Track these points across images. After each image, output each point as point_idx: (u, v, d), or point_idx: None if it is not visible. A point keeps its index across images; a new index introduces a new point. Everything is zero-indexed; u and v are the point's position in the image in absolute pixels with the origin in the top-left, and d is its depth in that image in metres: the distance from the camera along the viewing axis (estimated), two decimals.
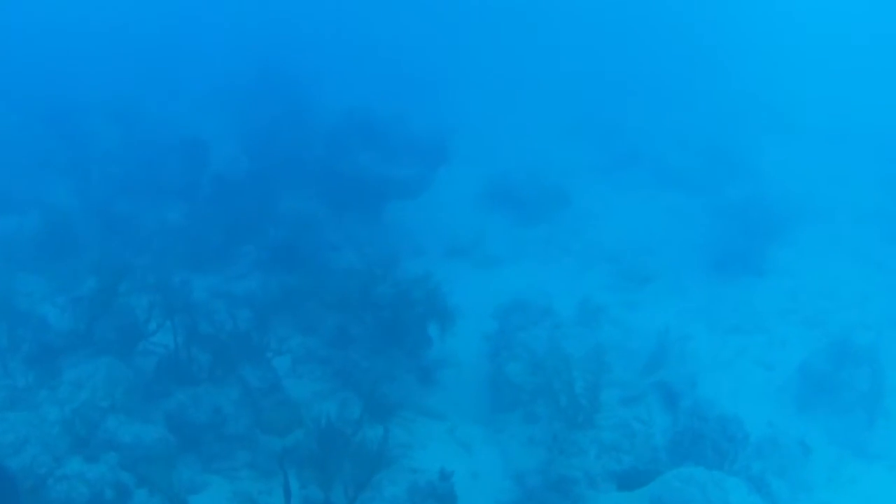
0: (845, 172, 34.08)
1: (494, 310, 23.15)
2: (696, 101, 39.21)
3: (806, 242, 29.11)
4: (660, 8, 46.56)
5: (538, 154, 33.41)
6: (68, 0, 42.49)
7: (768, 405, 21.17)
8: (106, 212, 23.29)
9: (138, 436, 15.25)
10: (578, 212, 29.65)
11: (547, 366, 18.58)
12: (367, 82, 36.23)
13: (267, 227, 23.03)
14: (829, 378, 20.80)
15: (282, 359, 17.97)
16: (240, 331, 17.91)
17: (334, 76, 36.56)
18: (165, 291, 18.16)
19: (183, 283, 20.23)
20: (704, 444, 17.66)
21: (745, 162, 34.47)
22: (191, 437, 16.12)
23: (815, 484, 18.15)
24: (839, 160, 35.11)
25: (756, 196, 30.36)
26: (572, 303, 24.02)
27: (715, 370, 22.26)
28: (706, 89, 39.41)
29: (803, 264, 27.92)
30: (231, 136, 30.96)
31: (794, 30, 48.18)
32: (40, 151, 28.66)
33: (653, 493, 15.05)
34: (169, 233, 23.20)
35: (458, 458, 17.84)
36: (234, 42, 40.80)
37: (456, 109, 34.38)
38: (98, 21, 41.80)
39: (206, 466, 16.07)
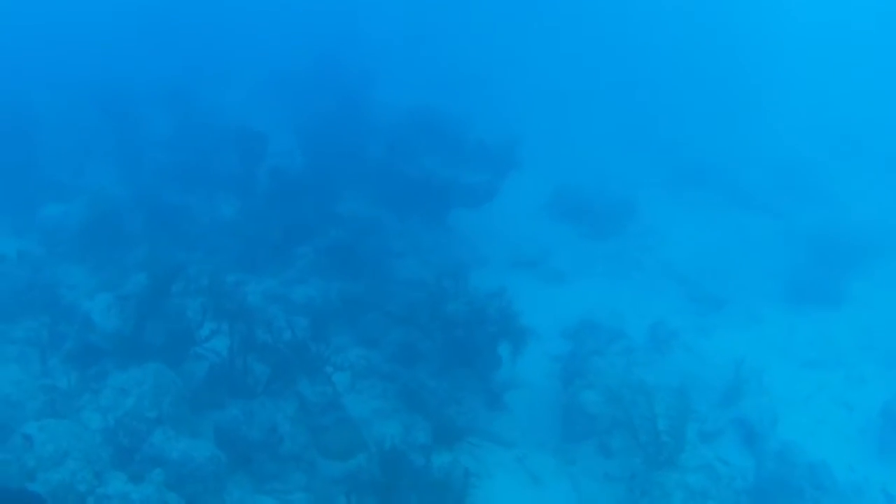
0: None
1: (563, 329, 21.70)
2: (764, 115, 37.12)
3: (885, 275, 27.04)
4: (729, 20, 44.41)
5: (603, 163, 31.58)
6: None
7: (849, 448, 19.83)
8: (156, 203, 21.76)
9: (186, 452, 13.66)
10: (646, 227, 27.85)
11: (625, 398, 17.03)
12: (427, 80, 34.58)
13: (326, 227, 21.34)
14: None
15: (341, 372, 16.16)
16: (298, 341, 16.17)
17: (392, 71, 34.86)
18: (219, 294, 16.44)
19: (237, 284, 18.56)
20: (791, 493, 16.74)
21: (818, 184, 32.58)
22: (242, 455, 14.55)
23: None
24: None
25: (833, 223, 28.39)
26: (643, 325, 22.61)
27: (793, 407, 20.72)
28: (776, 105, 37.21)
29: (882, 298, 25.98)
30: (285, 127, 29.33)
31: (869, 53, 45.80)
32: (89, 136, 27.23)
33: None
34: (222, 229, 21.61)
35: (528, 490, 16.43)
36: (288, 29, 39.10)
37: (519, 114, 32.55)
38: (150, 4, 40.22)
39: (258, 487, 14.49)
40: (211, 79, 34.73)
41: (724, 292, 25.10)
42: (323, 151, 26.03)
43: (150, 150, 25.35)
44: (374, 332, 18.46)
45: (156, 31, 38.32)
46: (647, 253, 26.57)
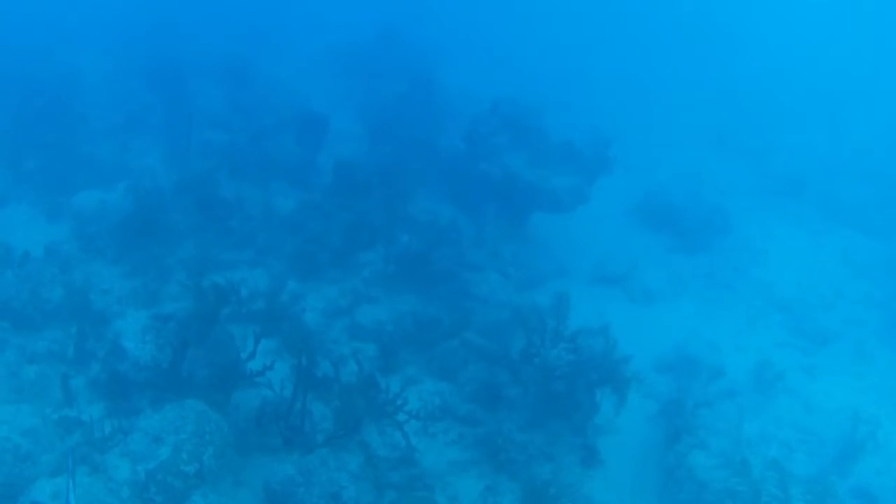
0: None
1: (657, 360, 18.56)
2: (860, 125, 33.22)
3: None
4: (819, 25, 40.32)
5: (691, 168, 28.02)
6: None
7: None
8: (204, 191, 18.60)
9: None
10: (740, 242, 24.46)
11: (754, 470, 13.89)
12: (503, 69, 30.98)
13: (395, 230, 18.16)
14: None
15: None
16: (365, 376, 13.08)
17: (465, 56, 31.23)
18: (275, 317, 13.38)
19: (294, 299, 15.48)
20: None
21: None
22: None
23: None
24: None
25: None
26: (743, 361, 19.37)
27: None
28: (879, 115, 33.29)
29: None
30: (346, 108, 26.21)
31: None
32: (134, 108, 24.19)
33: None
34: (277, 225, 18.58)
35: None
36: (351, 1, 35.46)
37: (604, 113, 29.00)
38: None
39: None
40: (267, 52, 31.28)
41: (828, 325, 21.70)
42: (390, 140, 22.95)
43: (199, 129, 22.19)
44: (451, 364, 15.35)
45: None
46: (742, 274, 23.18)
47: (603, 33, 37.30)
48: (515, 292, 19.03)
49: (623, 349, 15.21)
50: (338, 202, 18.97)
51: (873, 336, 21.85)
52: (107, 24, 30.02)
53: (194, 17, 33.47)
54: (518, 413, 14.10)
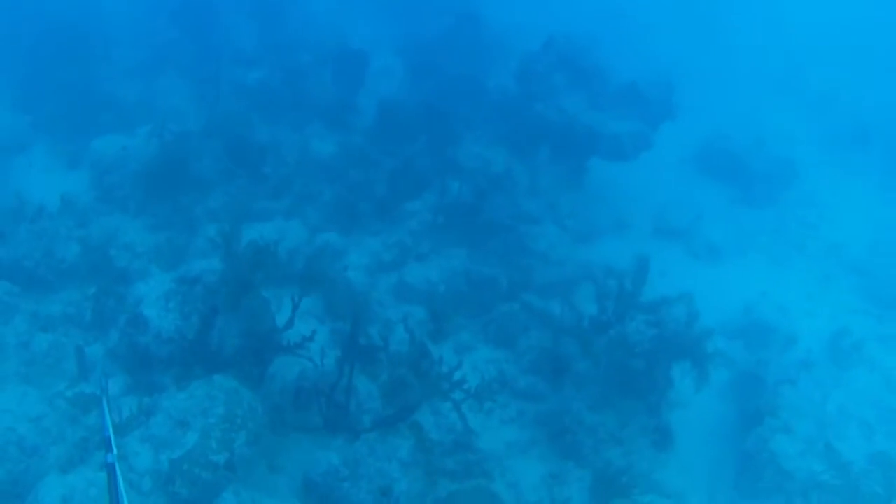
0: None
1: (726, 324, 16.61)
2: None
3: None
4: None
5: (752, 113, 25.55)
6: None
7: None
8: (235, 135, 16.58)
9: None
10: (806, 195, 22.21)
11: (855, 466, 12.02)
12: (560, 4, 28.37)
13: (443, 178, 16.15)
14: None
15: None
16: (417, 347, 11.19)
17: None
18: (315, 278, 11.47)
19: (335, 255, 13.56)
20: None
21: None
22: None
23: None
24: None
25: None
26: (815, 327, 17.50)
27: None
28: None
29: None
30: (388, 47, 23.98)
31: None
32: (160, 45, 22.05)
33: None
34: (315, 172, 16.57)
35: None
36: None
37: (658, 53, 26.46)
38: None
39: None
40: None
41: None
42: (433, 79, 20.71)
43: (230, 68, 20.11)
44: (510, 330, 13.43)
45: None
46: (810, 230, 20.97)
47: None
48: (574, 246, 17.02)
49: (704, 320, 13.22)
50: (381, 146, 16.99)
51: None
52: None
53: None
54: (586, 390, 12.17)
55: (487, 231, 15.95)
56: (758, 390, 14.14)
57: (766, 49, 30.73)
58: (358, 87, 20.66)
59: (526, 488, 11.57)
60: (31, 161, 17.53)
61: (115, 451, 3.72)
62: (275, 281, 11.30)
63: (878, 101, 27.77)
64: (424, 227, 15.83)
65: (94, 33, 21.58)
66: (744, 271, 19.15)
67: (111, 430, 4.77)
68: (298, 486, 10.28)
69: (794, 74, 29.65)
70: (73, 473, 9.14)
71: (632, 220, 19.77)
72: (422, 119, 17.62)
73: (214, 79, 18.74)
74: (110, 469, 3.35)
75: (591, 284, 14.86)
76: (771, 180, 21.91)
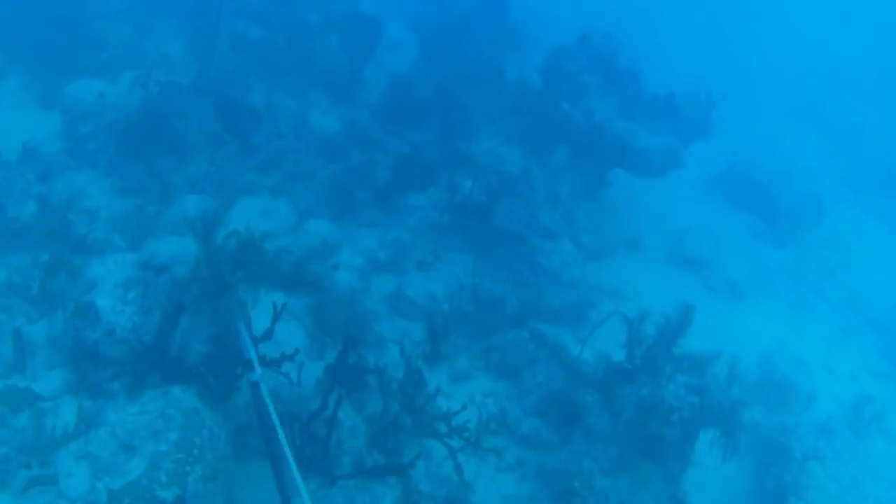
0: None
1: (744, 378, 14.55)
2: None
3: None
4: None
5: (779, 143, 23.83)
6: None
7: None
8: (228, 95, 14.55)
9: None
10: (830, 237, 20.58)
11: None
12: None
13: (453, 173, 14.26)
14: None
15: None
16: (411, 374, 9.37)
17: None
18: (300, 280, 9.61)
19: (326, 249, 11.69)
20: None
21: None
22: None
23: None
24: None
25: None
26: (834, 387, 16.18)
27: None
28: None
29: None
30: (401, 18, 21.92)
31: None
32: None
33: None
34: (312, 148, 14.61)
35: None
36: None
37: (687, 67, 24.64)
38: None
39: None
40: None
41: None
42: (448, 59, 18.68)
43: (231, 19, 17.99)
44: (515, 361, 11.59)
45: None
46: (832, 277, 19.35)
47: None
48: (586, 267, 15.26)
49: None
50: (387, 128, 15.02)
51: None
52: None
53: None
54: (601, 447, 10.38)
55: (496, 239, 14.14)
56: (781, 462, 12.48)
57: (787, 72, 29.03)
58: (367, 58, 18.70)
59: None
60: None
61: (258, 370, 2.72)
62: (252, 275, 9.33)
63: None
64: (427, 225, 13.97)
65: None
66: (762, 314, 17.60)
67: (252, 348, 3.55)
68: None
69: (818, 102, 27.95)
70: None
71: (646, 242, 18.10)
72: (436, 103, 15.71)
73: (212, 30, 16.62)
74: (255, 387, 2.87)
75: (603, 315, 13.23)
76: (795, 217, 20.28)
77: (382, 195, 14.01)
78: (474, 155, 15.11)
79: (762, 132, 24.26)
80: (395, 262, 13.13)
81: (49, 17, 17.32)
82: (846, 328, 18.04)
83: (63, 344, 9.27)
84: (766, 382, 15.16)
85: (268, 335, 9.10)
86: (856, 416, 15.09)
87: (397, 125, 15.28)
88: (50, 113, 15.24)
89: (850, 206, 22.73)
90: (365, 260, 12.79)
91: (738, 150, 21.76)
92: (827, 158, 24.88)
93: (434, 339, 11.27)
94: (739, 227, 19.90)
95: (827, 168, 24.19)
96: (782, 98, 27.34)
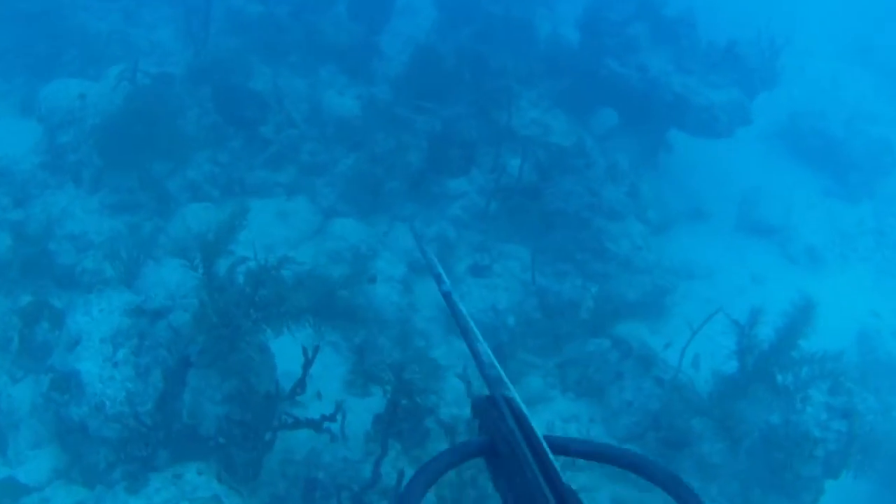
0: None
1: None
2: None
3: None
4: None
5: (837, 90, 21.25)
6: None
7: None
8: (228, 81, 12.39)
9: None
10: None
11: None
12: None
13: (494, 149, 12.02)
14: None
15: None
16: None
17: None
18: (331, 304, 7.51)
19: (360, 258, 9.56)
20: None
21: None
22: None
23: None
24: None
25: None
26: None
27: None
28: None
29: None
30: None
31: None
32: None
33: None
34: (329, 135, 12.42)
35: None
36: None
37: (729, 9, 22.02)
38: None
39: None
40: None
41: None
42: (474, 21, 16.36)
43: None
44: (598, 376, 9.40)
45: None
46: None
47: None
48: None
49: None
50: (414, 104, 12.76)
51: None
52: None
53: None
54: (718, 481, 8.19)
55: (553, 223, 11.90)
56: None
57: (833, 13, 26.25)
58: (381, 27, 16.38)
59: None
60: None
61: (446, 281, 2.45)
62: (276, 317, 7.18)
63: None
64: (472, 214, 11.80)
65: None
66: (849, 283, 15.24)
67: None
68: None
69: (868, 44, 25.24)
70: None
71: (711, 210, 15.78)
72: (466, 71, 13.43)
73: (205, 9, 14.37)
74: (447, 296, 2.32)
75: (684, 304, 11.06)
76: (867, 168, 17.86)
77: (416, 183, 11.83)
78: (516, 127, 12.83)
79: (818, 78, 21.70)
80: (441, 262, 10.89)
81: (25, 14, 15.18)
82: None
83: (45, 418, 7.18)
84: (870, 365, 12.87)
85: (300, 388, 6.96)
86: None
87: (425, 99, 13.02)
88: (31, 122, 13.12)
89: None
90: (405, 265, 10.61)
91: (797, 98, 19.26)
92: (889, 103, 22.27)
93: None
94: (809, 184, 17.53)
95: (891, 113, 21.60)
96: (832, 41, 24.66)
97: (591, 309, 10.29)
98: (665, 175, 15.02)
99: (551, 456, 1.77)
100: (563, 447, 1.97)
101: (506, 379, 2.06)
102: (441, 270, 2.84)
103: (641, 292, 11.43)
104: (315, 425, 6.75)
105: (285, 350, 7.90)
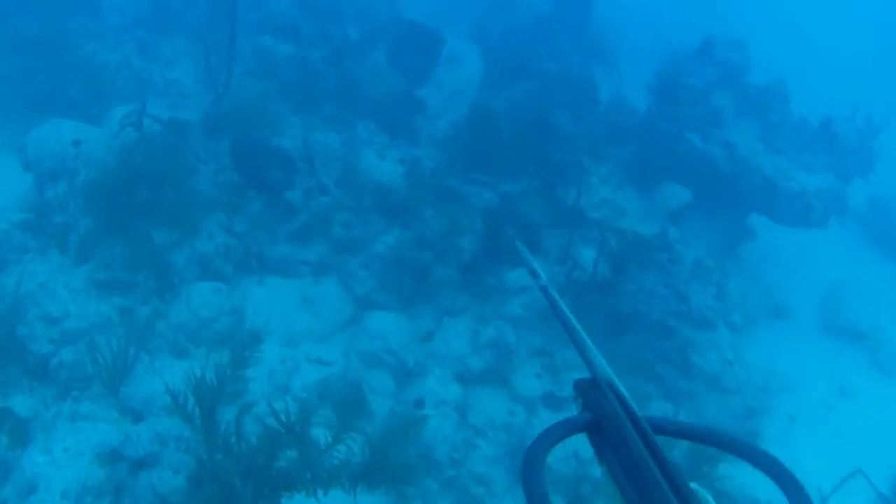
0: None
1: None
2: None
3: None
4: None
5: None
6: None
7: None
8: (249, 135, 10.35)
9: None
10: None
11: None
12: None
13: (568, 233, 9.92)
14: None
15: None
16: None
17: None
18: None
19: (401, 366, 7.41)
20: None
21: None
22: None
23: None
24: None
25: None
26: None
27: None
28: None
29: None
30: (458, 27, 17.58)
31: None
32: None
33: None
34: (369, 202, 10.42)
35: None
36: None
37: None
38: None
39: None
40: None
41: None
42: (523, 76, 14.38)
43: (253, 33, 13.83)
44: None
45: None
46: None
47: None
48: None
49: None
50: (467, 173, 10.69)
51: None
52: None
53: None
54: None
55: (628, 326, 9.71)
56: None
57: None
58: (425, 78, 14.41)
59: None
60: None
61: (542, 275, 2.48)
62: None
63: None
64: (534, 313, 9.64)
65: None
66: None
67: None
68: None
69: None
70: None
71: (792, 305, 13.64)
72: (527, 138, 11.34)
73: (228, 46, 12.37)
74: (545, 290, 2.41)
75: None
76: None
77: (468, 270, 9.67)
78: (585, 207, 10.74)
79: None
80: (496, 373, 8.77)
81: (26, 39, 13.27)
82: None
83: None
84: None
85: None
86: None
87: (478, 168, 10.94)
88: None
89: None
90: (458, 382, 8.42)
91: (879, 180, 17.16)
92: None
93: None
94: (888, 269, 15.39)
95: None
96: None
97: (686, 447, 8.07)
98: (748, 266, 12.89)
99: (652, 432, 1.91)
100: (660, 427, 2.05)
101: (609, 368, 2.14)
102: (536, 265, 2.70)
103: (731, 416, 9.22)
104: None
105: None
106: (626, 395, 2.04)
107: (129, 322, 8.03)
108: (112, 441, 5.58)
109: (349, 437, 5.39)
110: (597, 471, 8.02)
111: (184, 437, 5.38)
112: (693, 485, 1.83)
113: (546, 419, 8.35)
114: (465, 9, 18.96)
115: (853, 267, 15.10)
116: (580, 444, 7.10)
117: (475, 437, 7.95)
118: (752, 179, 11.84)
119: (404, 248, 9.64)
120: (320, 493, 5.25)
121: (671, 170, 12.59)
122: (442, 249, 9.50)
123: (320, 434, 5.28)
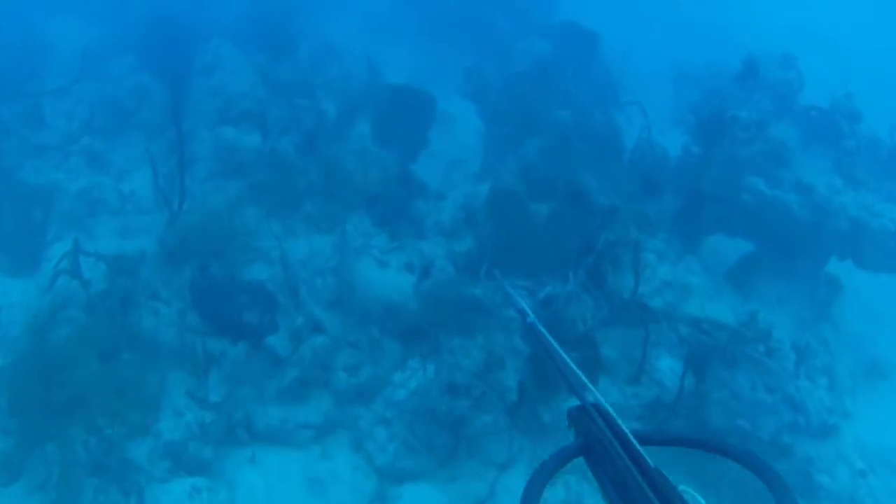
0: None
1: None
2: None
3: None
4: None
5: None
6: None
7: None
8: (212, 266, 7.91)
9: None
10: None
11: None
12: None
13: (644, 341, 7.43)
14: None
15: None
16: None
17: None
18: None
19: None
20: None
21: None
22: None
23: None
24: None
25: None
26: None
27: None
28: None
29: None
30: (444, 84, 15.20)
31: None
32: (118, 96, 13.63)
33: None
34: (372, 332, 7.75)
35: None
36: None
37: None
38: None
39: None
40: (308, 9, 18.90)
41: None
42: (540, 134, 12.02)
43: (213, 123, 11.50)
44: None
45: None
46: None
47: None
48: None
49: None
50: (495, 280, 8.25)
51: None
52: None
53: None
54: None
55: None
56: None
57: None
58: (419, 149, 12.07)
59: None
60: None
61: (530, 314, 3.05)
62: None
63: None
64: None
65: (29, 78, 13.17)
66: None
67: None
68: None
69: None
70: None
71: (889, 361, 11.20)
72: (560, 216, 8.94)
73: (178, 146, 9.98)
74: (533, 328, 2.91)
75: None
76: None
77: (516, 409, 7.19)
78: (643, 295, 8.28)
79: None
80: None
81: None
82: None
83: None
84: None
85: None
86: None
87: (506, 265, 8.49)
88: (24, 279, 8.80)
89: None
90: None
91: None
92: None
93: None
94: None
95: None
96: None
97: None
98: (843, 332, 10.45)
99: (637, 445, 2.16)
100: (648, 438, 2.28)
101: (590, 385, 2.44)
102: (524, 305, 3.08)
103: None
104: None
105: None
106: (613, 413, 2.34)
107: None
108: None
109: None
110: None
111: None
112: (682, 487, 2.11)
113: None
114: (450, 62, 16.71)
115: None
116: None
117: None
118: (839, 224, 9.42)
119: (432, 398, 7.17)
120: None
121: (727, 223, 10.19)
122: (481, 393, 7.02)
123: None
